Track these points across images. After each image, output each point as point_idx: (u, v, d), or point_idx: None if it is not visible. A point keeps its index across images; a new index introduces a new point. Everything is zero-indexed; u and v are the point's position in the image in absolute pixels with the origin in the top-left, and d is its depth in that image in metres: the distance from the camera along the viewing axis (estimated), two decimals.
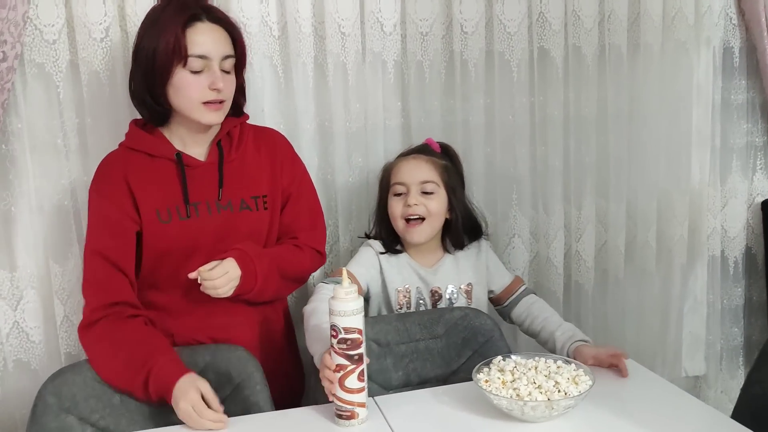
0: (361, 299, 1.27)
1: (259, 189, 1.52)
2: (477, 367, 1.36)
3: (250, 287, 1.42)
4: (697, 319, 2.19)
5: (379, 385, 1.53)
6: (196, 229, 1.46)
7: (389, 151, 1.86)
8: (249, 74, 1.59)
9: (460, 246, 1.70)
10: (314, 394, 1.46)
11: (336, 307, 1.25)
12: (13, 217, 1.68)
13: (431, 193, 1.61)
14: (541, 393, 1.26)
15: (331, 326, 1.26)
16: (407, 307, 1.66)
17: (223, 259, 1.40)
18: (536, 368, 1.35)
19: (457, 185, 1.67)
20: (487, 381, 1.31)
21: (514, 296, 1.73)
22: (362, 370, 1.28)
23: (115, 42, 1.64)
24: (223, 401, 1.41)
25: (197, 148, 1.51)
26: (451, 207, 1.65)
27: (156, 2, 1.50)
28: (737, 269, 2.25)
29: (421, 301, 1.67)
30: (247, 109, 1.60)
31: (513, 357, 1.40)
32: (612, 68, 1.99)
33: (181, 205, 1.46)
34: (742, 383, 2.28)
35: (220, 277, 1.36)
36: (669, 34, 2.00)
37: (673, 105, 2.05)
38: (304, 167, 1.64)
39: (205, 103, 1.42)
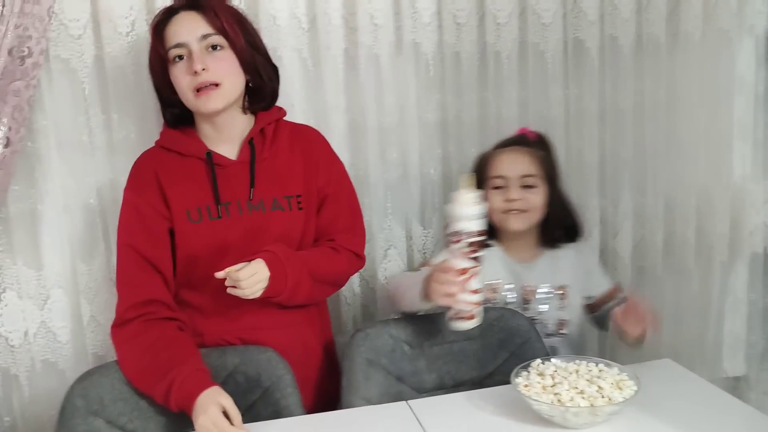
0: (482, 205, 1.30)
1: (292, 189, 1.47)
2: (515, 370, 1.31)
3: (279, 290, 1.38)
4: (737, 318, 2.11)
5: (412, 387, 1.49)
6: (226, 229, 1.42)
7: (425, 146, 1.82)
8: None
9: (557, 242, 1.63)
10: (349, 398, 1.43)
11: (461, 211, 1.29)
12: (39, 216, 1.66)
13: (532, 186, 1.56)
14: (583, 398, 1.21)
15: (454, 233, 1.29)
16: (492, 303, 1.59)
17: (251, 260, 1.36)
18: (577, 372, 1.30)
19: (556, 178, 1.61)
20: (526, 386, 1.27)
21: (610, 304, 1.65)
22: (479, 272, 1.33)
23: (141, 36, 1.61)
24: (252, 404, 1.40)
25: (228, 146, 1.48)
26: (549, 200, 1.59)
27: None
28: None
29: (511, 299, 1.60)
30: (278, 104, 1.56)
31: (553, 360, 1.35)
32: (650, 59, 1.92)
33: (212, 205, 1.43)
34: None
35: (248, 278, 1.33)
36: (711, 23, 1.92)
37: (713, 96, 1.97)
38: (343, 167, 1.59)
39: (196, 91, 1.38)
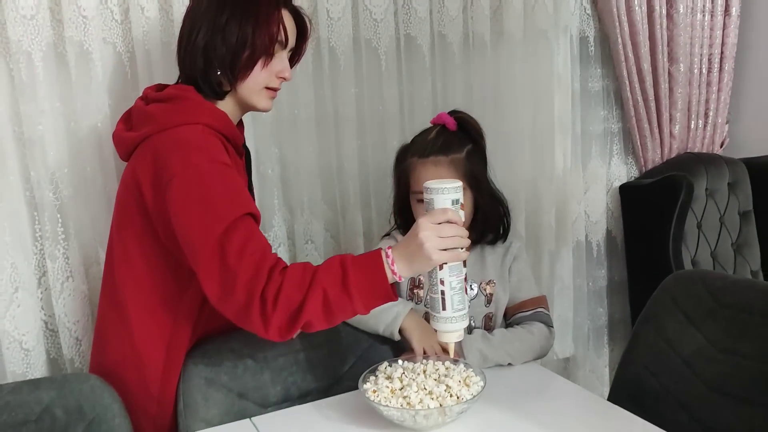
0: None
1: None
2: (363, 375, 1.27)
3: None
4: (565, 302, 2.24)
5: (256, 403, 1.40)
6: None
7: (261, 145, 1.75)
8: None
9: (485, 240, 1.55)
10: (187, 422, 1.31)
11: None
12: None
13: None
14: (432, 399, 1.20)
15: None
16: (417, 300, 1.53)
17: None
18: (425, 372, 1.29)
19: (480, 172, 1.51)
20: (374, 391, 1.23)
21: (520, 314, 1.54)
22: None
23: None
24: None
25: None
26: (476, 203, 1.50)
27: None
28: (600, 252, 2.33)
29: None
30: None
31: (400, 362, 1.33)
32: (477, 56, 1.97)
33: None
34: (608, 362, 2.40)
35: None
36: (530, 23, 2.01)
37: (535, 93, 2.07)
38: None
39: (267, 88, 1.37)
